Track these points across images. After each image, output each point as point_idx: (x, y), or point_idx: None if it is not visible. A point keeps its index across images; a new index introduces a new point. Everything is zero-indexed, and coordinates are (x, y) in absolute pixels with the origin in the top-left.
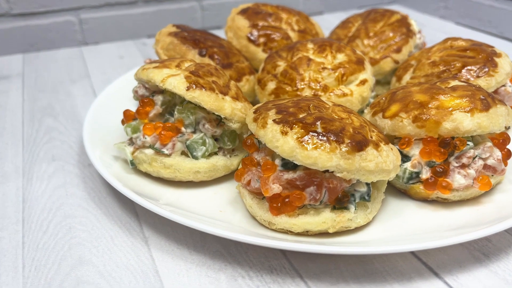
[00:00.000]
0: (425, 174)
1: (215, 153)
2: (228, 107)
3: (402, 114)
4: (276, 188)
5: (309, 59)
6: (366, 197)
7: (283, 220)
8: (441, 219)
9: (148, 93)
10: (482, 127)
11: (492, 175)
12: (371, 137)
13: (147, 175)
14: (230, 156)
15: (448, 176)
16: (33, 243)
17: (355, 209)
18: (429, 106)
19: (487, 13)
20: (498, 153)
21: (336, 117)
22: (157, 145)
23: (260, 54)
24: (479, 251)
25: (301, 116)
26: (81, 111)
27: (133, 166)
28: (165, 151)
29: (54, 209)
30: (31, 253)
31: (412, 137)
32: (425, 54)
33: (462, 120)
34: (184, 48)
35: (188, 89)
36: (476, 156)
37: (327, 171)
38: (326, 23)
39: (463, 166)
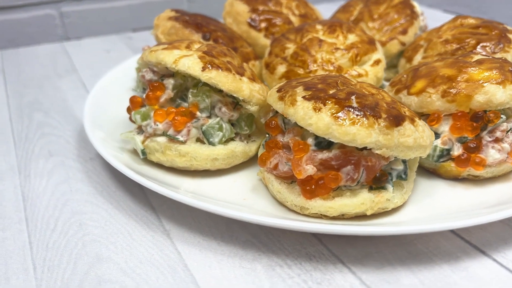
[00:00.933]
0: (457, 150)
1: (231, 139)
2: (246, 88)
3: (429, 90)
4: (310, 169)
5: (320, 40)
6: (403, 176)
7: (318, 204)
8: (475, 196)
9: (157, 77)
10: None
11: None
12: (405, 113)
13: (158, 165)
14: (247, 142)
15: (481, 152)
16: (41, 243)
17: (393, 188)
18: (458, 79)
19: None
20: None
21: (367, 92)
22: (171, 131)
23: (262, 39)
24: None
25: (331, 92)
26: (74, 106)
27: (144, 156)
28: (180, 137)
29: (59, 205)
30: (41, 253)
31: (441, 113)
32: (435, 34)
33: (494, 92)
34: (187, 32)
35: (203, 69)
36: (510, 129)
37: (364, 148)
38: None
39: (497, 140)
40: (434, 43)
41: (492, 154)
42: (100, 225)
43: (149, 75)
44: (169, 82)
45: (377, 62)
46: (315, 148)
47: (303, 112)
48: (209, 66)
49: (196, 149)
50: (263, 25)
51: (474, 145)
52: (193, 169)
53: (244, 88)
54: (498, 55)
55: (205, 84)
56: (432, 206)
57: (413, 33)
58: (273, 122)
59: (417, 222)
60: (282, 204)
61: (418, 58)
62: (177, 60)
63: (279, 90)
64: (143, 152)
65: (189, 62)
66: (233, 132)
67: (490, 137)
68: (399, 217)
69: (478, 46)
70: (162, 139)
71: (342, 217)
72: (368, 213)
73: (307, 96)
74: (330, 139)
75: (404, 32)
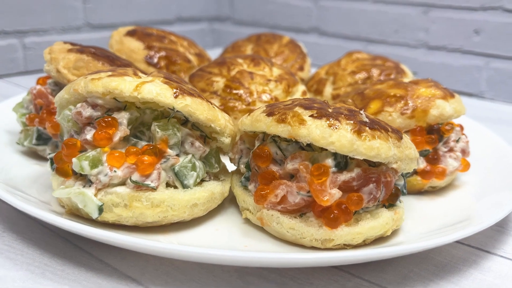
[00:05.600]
0: (421, 164)
1: (202, 180)
2: (222, 118)
3: (387, 109)
4: (337, 193)
5: (251, 72)
6: (404, 190)
7: (344, 232)
8: (446, 205)
9: (100, 112)
10: (457, 111)
11: (462, 157)
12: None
13: (108, 227)
14: (218, 181)
15: (440, 162)
16: None
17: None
18: (410, 97)
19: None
20: (464, 136)
21: (356, 109)
22: (135, 177)
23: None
24: (495, 225)
25: (331, 110)
26: None
27: (100, 214)
28: (150, 183)
29: None
30: None
31: (402, 129)
32: (337, 68)
33: (444, 106)
34: (100, 65)
35: (176, 96)
36: (459, 139)
37: (375, 164)
38: None
39: (451, 149)
40: (342, 75)
41: (451, 163)
42: None
43: (87, 112)
44: (123, 117)
45: (304, 92)
46: (335, 170)
47: (320, 131)
48: (181, 92)
49: (174, 195)
50: (162, 63)
51: (435, 157)
52: (164, 223)
53: (220, 117)
54: None
55: (174, 115)
56: (424, 220)
57: (308, 70)
58: (266, 151)
59: (430, 237)
60: (293, 242)
61: (329, 90)
62: (139, 86)
63: (270, 114)
64: (101, 209)
65: (157, 89)
66: (206, 171)
67: (445, 147)
68: (405, 234)
69: (382, 75)
70: (123, 189)
71: (363, 244)
72: (389, 233)
73: (315, 115)
74: (354, 156)
75: (301, 68)
